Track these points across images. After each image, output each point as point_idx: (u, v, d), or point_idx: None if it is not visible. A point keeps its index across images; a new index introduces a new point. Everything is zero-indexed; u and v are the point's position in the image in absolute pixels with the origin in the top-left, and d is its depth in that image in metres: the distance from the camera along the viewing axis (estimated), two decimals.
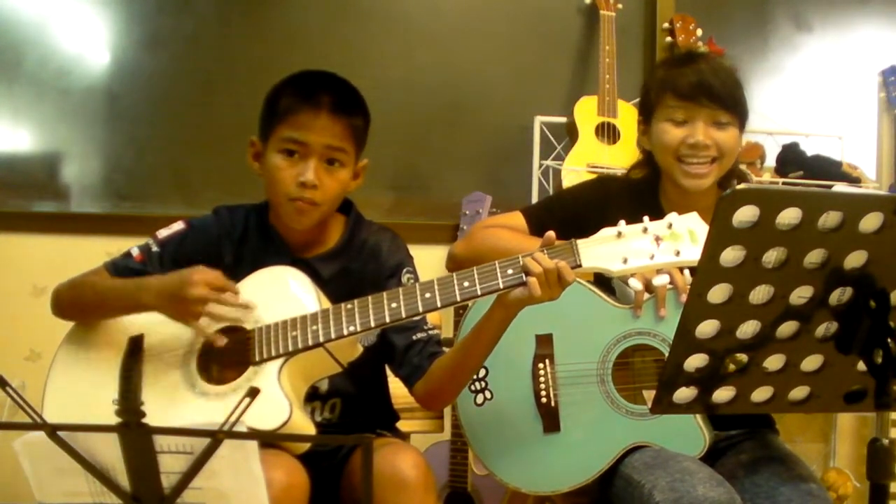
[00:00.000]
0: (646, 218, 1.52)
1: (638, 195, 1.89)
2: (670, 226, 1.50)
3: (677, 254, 1.49)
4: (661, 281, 1.67)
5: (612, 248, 1.51)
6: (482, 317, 1.63)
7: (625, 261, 1.50)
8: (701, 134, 1.79)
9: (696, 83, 1.79)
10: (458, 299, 1.55)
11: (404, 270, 1.78)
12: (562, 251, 1.53)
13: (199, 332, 1.62)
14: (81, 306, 1.75)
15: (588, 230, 1.55)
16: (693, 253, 1.49)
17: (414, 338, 1.74)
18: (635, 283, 1.73)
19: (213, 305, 1.58)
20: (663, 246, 1.50)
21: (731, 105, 1.80)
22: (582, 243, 1.53)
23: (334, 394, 1.79)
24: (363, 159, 1.80)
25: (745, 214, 1.15)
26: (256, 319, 1.64)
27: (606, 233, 1.53)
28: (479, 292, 1.54)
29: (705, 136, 1.79)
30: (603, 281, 1.89)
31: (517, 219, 1.91)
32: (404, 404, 1.96)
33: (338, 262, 1.78)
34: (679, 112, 1.81)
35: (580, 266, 1.52)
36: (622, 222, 1.52)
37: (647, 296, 1.77)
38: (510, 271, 1.53)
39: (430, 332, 1.76)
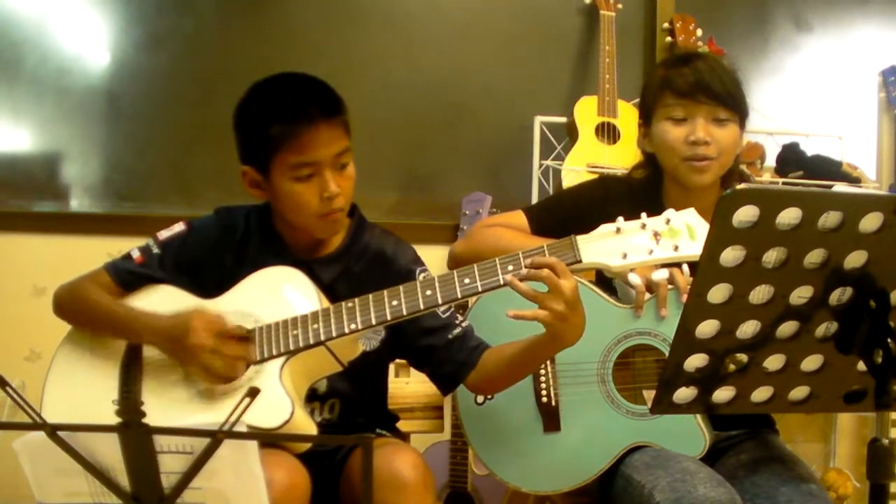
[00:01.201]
0: (643, 214, 1.53)
1: (639, 195, 1.88)
2: (668, 221, 1.51)
3: (676, 249, 1.50)
4: (660, 276, 1.67)
5: (610, 243, 1.52)
6: (533, 342, 1.63)
7: (624, 256, 1.51)
8: (701, 130, 1.79)
9: (694, 81, 1.80)
10: (459, 296, 1.55)
11: (419, 271, 1.77)
12: (561, 247, 1.53)
13: (201, 378, 1.60)
14: (79, 320, 1.76)
15: (589, 230, 1.55)
16: (691, 248, 1.49)
17: (450, 336, 1.73)
18: (635, 279, 1.74)
19: (212, 357, 1.58)
20: (662, 241, 1.50)
21: (730, 102, 1.81)
22: (581, 239, 1.54)
23: (332, 394, 1.79)
24: None
25: (745, 214, 1.15)
26: (257, 319, 1.64)
27: (605, 229, 1.53)
28: (479, 288, 1.55)
29: (705, 132, 1.79)
30: (604, 281, 1.89)
31: (519, 218, 1.91)
32: (404, 404, 1.96)
33: (339, 265, 1.77)
34: (678, 110, 1.81)
35: (580, 262, 1.53)
36: (620, 218, 1.53)
37: (648, 296, 1.77)
38: (510, 268, 1.54)
39: (464, 325, 1.76)
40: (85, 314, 1.74)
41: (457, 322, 1.75)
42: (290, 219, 1.73)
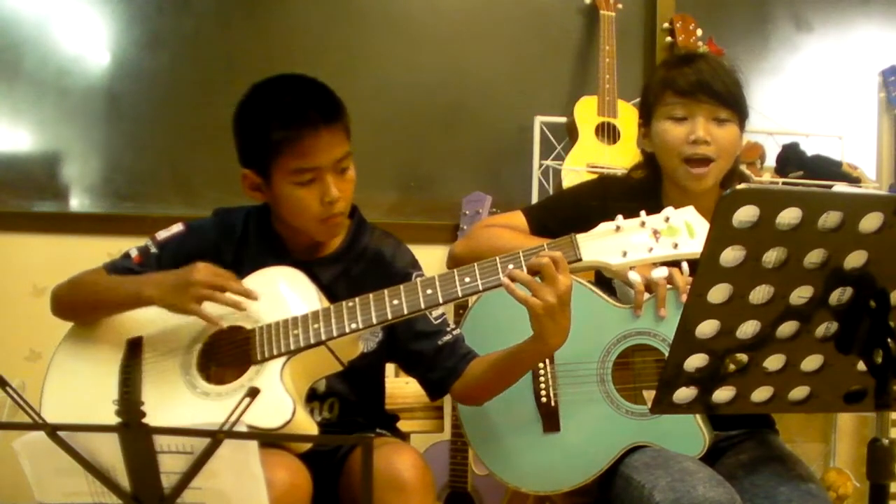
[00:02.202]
0: (643, 212, 1.53)
1: (639, 195, 1.88)
2: (667, 219, 1.52)
3: (675, 246, 1.51)
4: (659, 274, 1.68)
5: (610, 241, 1.53)
6: (517, 347, 1.64)
7: (624, 254, 1.52)
8: (701, 129, 1.79)
9: (696, 81, 1.80)
10: (460, 295, 1.56)
11: (415, 275, 1.77)
12: (561, 245, 1.54)
13: (203, 317, 1.60)
14: (80, 304, 1.74)
15: (588, 230, 1.56)
16: (691, 245, 1.50)
17: (440, 342, 1.74)
18: (634, 277, 1.74)
19: (217, 293, 1.58)
20: (661, 239, 1.51)
21: (731, 102, 1.81)
22: (581, 237, 1.54)
23: (331, 394, 1.79)
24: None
25: (745, 214, 1.15)
26: (257, 319, 1.64)
27: (605, 227, 1.54)
28: (480, 287, 1.55)
29: (705, 131, 1.79)
30: (603, 281, 1.89)
31: (518, 218, 1.91)
32: (404, 404, 1.96)
33: (338, 267, 1.78)
34: (679, 109, 1.81)
35: (580, 259, 1.53)
36: (619, 216, 1.53)
37: (647, 296, 1.77)
38: (511, 266, 1.54)
39: (454, 332, 1.77)
40: (85, 298, 1.73)
41: (448, 329, 1.76)
42: (290, 222, 1.74)
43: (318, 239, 1.75)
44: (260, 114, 1.69)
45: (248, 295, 1.61)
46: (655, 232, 1.51)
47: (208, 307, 1.60)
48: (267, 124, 1.66)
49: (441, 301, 1.56)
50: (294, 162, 1.65)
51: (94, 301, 1.72)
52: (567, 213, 1.88)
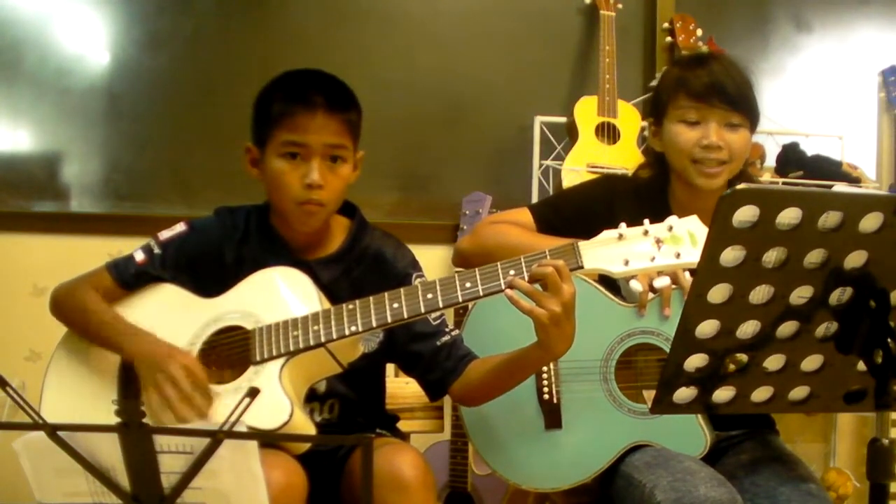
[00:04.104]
0: (646, 221, 1.53)
1: (645, 195, 1.88)
2: (671, 228, 1.51)
3: (678, 256, 1.50)
4: (662, 283, 1.68)
5: (613, 250, 1.52)
6: (521, 351, 1.64)
7: (626, 262, 1.51)
8: (714, 135, 1.78)
9: (710, 84, 1.79)
10: (461, 300, 1.55)
11: (415, 276, 1.78)
12: (563, 253, 1.54)
13: (150, 408, 1.58)
14: (72, 324, 1.77)
15: (594, 229, 1.55)
16: (693, 255, 1.49)
17: (438, 343, 1.75)
18: (636, 285, 1.73)
19: (174, 393, 1.56)
20: (664, 248, 1.50)
21: (744, 106, 1.80)
22: (583, 245, 1.54)
23: (331, 394, 1.79)
24: (359, 150, 1.79)
25: (745, 214, 1.15)
26: (257, 319, 1.64)
27: (607, 235, 1.53)
28: (481, 293, 1.54)
29: (718, 136, 1.78)
30: (608, 279, 1.88)
31: (524, 215, 1.91)
32: (404, 404, 1.96)
33: (339, 267, 1.78)
34: (692, 112, 1.80)
35: (582, 267, 1.53)
36: (622, 224, 1.53)
37: (651, 295, 1.77)
38: (512, 272, 1.54)
39: (453, 333, 1.77)
40: (78, 320, 1.75)
41: (446, 330, 1.77)
42: (274, 202, 1.75)
43: (295, 226, 1.75)
44: (271, 91, 1.75)
45: (200, 414, 1.57)
46: (658, 241, 1.51)
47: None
48: (272, 99, 1.72)
49: (441, 306, 1.56)
50: (285, 134, 1.68)
51: (84, 331, 1.74)
52: (573, 212, 1.87)
